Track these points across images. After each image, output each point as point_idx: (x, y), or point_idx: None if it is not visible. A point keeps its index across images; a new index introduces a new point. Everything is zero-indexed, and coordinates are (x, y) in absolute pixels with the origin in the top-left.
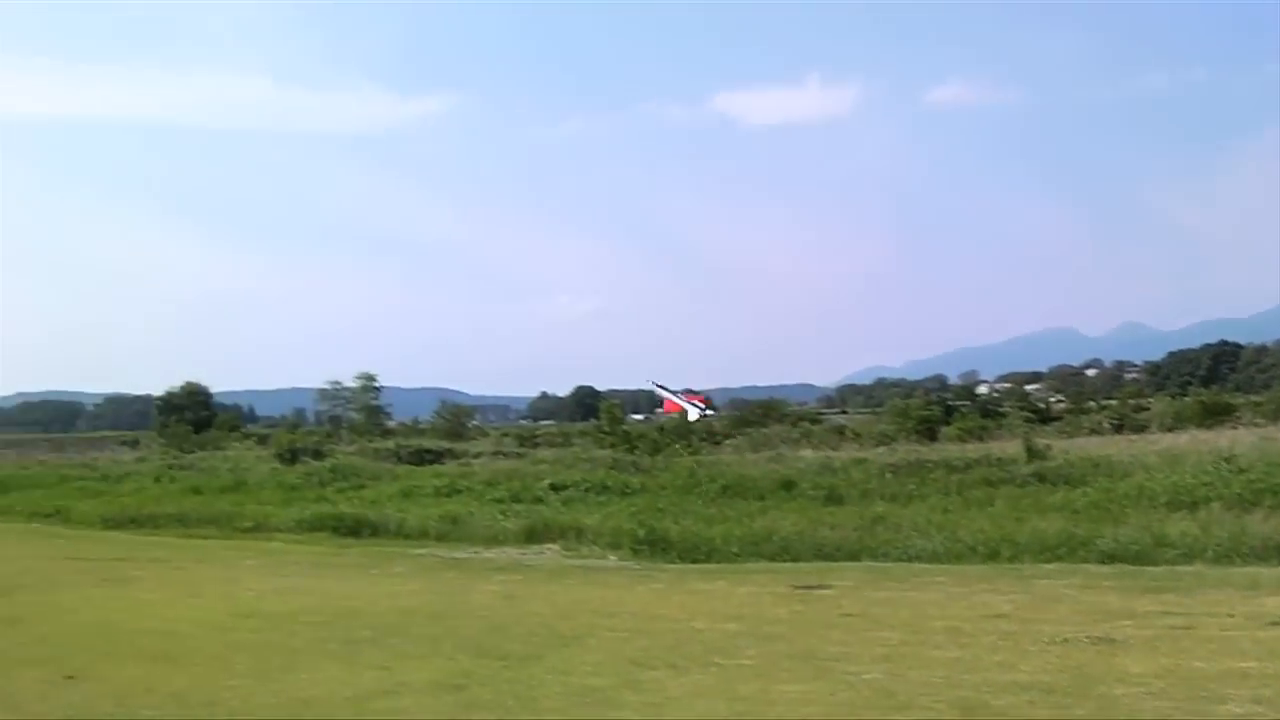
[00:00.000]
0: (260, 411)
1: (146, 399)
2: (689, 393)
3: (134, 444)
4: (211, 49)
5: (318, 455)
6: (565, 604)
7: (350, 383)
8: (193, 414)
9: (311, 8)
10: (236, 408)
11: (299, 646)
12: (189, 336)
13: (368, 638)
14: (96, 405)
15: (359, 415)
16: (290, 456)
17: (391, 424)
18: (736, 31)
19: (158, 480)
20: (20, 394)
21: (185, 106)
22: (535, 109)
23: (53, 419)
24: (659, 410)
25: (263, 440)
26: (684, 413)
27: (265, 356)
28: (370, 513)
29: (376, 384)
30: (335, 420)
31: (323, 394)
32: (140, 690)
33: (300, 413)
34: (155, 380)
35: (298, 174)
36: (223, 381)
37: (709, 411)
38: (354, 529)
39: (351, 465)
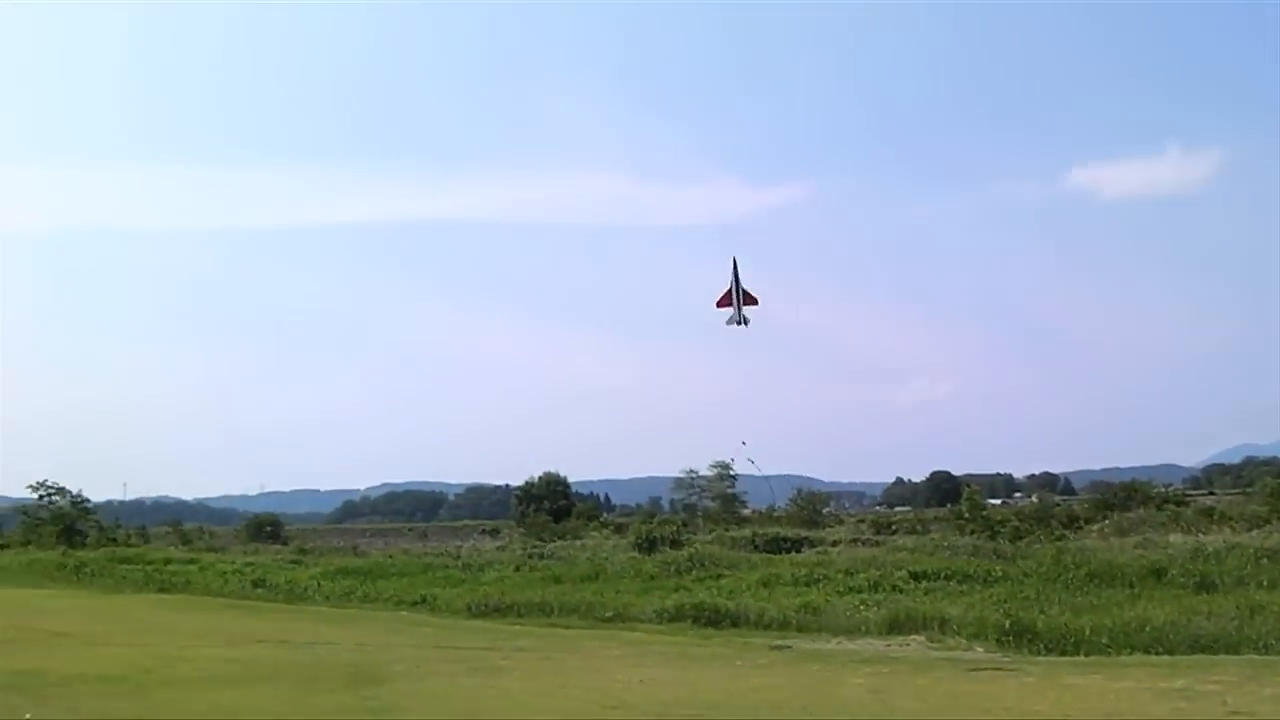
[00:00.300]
0: (616, 500)
1: (505, 489)
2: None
3: (494, 533)
4: (569, 149)
5: (675, 544)
6: (937, 700)
7: (705, 471)
8: (551, 503)
9: (666, 104)
10: (593, 497)
11: None
12: (545, 427)
13: None
14: (457, 495)
15: (714, 503)
16: (648, 545)
17: (746, 511)
18: (1090, 104)
19: (518, 569)
20: (385, 485)
21: (544, 204)
22: (888, 194)
23: (416, 508)
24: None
25: (619, 529)
26: None
27: (619, 446)
28: (730, 602)
29: (731, 471)
30: (690, 508)
31: (678, 482)
32: None
33: (655, 501)
34: (513, 470)
35: (654, 266)
36: (579, 471)
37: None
38: (714, 619)
39: (709, 554)
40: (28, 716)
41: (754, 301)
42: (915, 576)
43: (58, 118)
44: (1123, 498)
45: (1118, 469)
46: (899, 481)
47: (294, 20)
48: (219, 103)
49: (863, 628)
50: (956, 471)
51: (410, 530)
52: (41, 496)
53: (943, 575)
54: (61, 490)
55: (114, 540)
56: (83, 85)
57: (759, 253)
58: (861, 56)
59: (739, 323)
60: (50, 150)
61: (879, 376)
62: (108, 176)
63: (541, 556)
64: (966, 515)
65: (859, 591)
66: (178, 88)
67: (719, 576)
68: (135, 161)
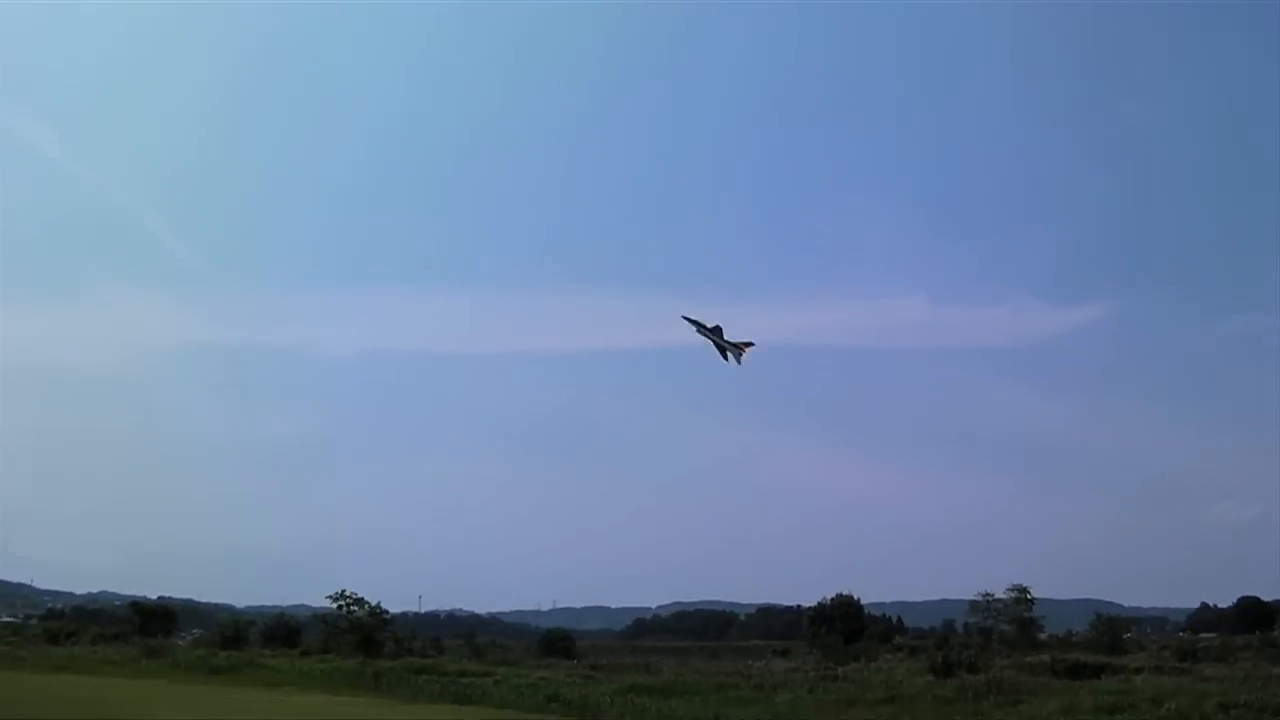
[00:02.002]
0: (909, 622)
1: (796, 609)
2: None
3: (785, 653)
4: (869, 274)
5: (972, 668)
6: None
7: (1002, 594)
8: (843, 624)
9: (965, 224)
10: (885, 618)
11: None
12: (837, 548)
13: None
14: (748, 615)
15: (1010, 627)
16: (944, 669)
17: (1043, 636)
18: None
19: (812, 690)
20: (676, 603)
21: (840, 328)
22: (1191, 311)
23: (705, 627)
24: None
25: (914, 652)
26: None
27: (912, 567)
28: None
29: (1029, 596)
30: (986, 632)
31: (974, 606)
32: None
33: (949, 624)
34: (804, 591)
35: (951, 387)
36: (871, 592)
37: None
38: None
39: (1007, 679)
40: None
41: (749, 344)
42: (1225, 707)
43: (368, 242)
44: None
45: None
46: (1204, 607)
47: (586, 147)
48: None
49: None
50: (1266, 598)
51: (701, 649)
52: (341, 606)
53: (1255, 707)
54: (360, 601)
55: (410, 651)
56: (391, 211)
57: (1061, 373)
58: (1154, 170)
59: (731, 354)
60: (358, 275)
61: (1185, 499)
62: (412, 301)
63: (835, 678)
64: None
65: None
66: (483, 211)
67: (1018, 702)
68: (438, 286)
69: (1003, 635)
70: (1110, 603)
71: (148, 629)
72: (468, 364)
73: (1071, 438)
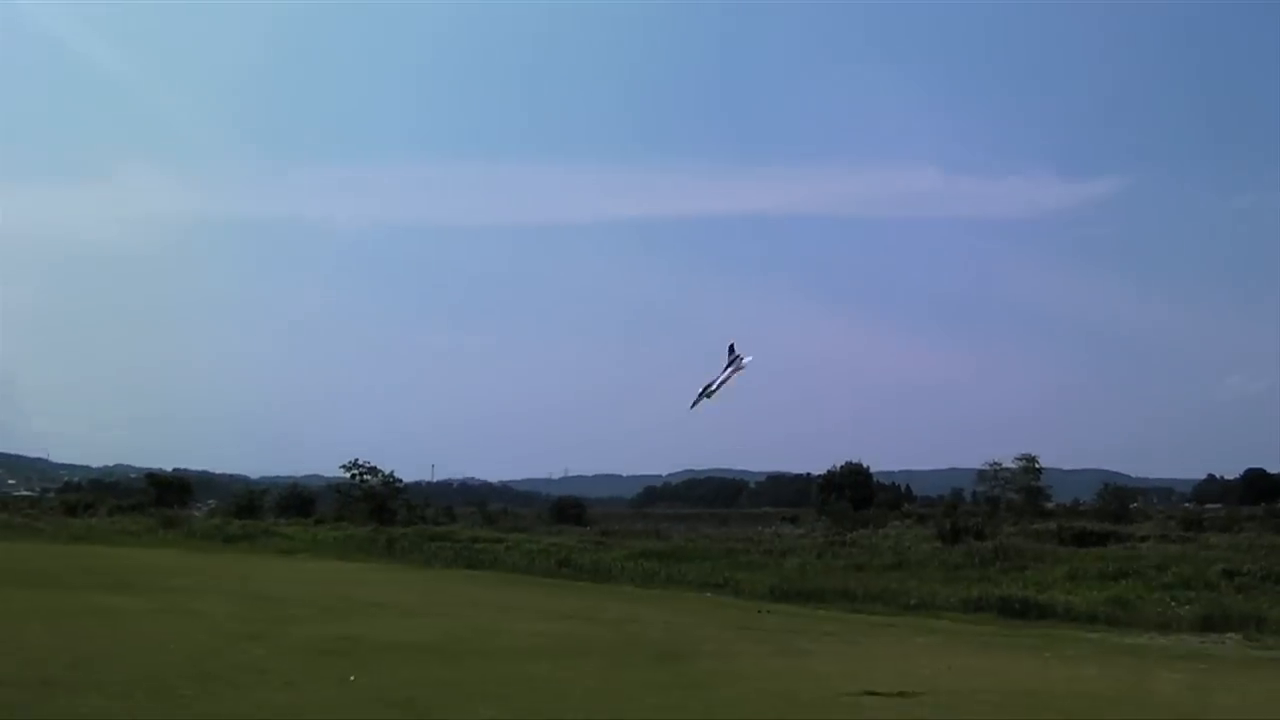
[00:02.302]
0: (916, 490)
1: (806, 477)
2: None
3: (794, 520)
4: (883, 146)
5: (979, 535)
6: (1257, 698)
7: (1010, 464)
8: (852, 492)
9: (978, 96)
10: (894, 486)
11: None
12: (847, 417)
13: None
14: (758, 483)
15: (1018, 496)
16: (952, 536)
17: (1051, 505)
18: None
19: (820, 556)
20: (687, 471)
21: (855, 198)
22: (1205, 185)
23: (716, 495)
24: None
25: (921, 519)
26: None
27: (922, 437)
28: (1036, 595)
29: (1037, 465)
30: (993, 501)
31: (981, 475)
32: None
33: (957, 493)
34: (814, 459)
35: (961, 260)
36: (880, 461)
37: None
38: (1020, 610)
39: (1014, 546)
40: (352, 678)
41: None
42: (1229, 574)
43: (378, 115)
44: None
45: None
46: (1210, 479)
47: (601, 20)
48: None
49: (1174, 624)
50: (1272, 469)
51: (711, 516)
52: (354, 476)
53: (1258, 574)
54: (374, 470)
55: (423, 519)
56: (404, 82)
57: (1073, 245)
58: (1169, 41)
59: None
60: (368, 148)
61: (1194, 373)
62: (424, 173)
63: (843, 544)
64: None
65: (1170, 588)
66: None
67: (1024, 568)
68: (447, 158)
69: (1010, 504)
70: (1118, 473)
71: (163, 500)
72: (479, 235)
73: (1081, 310)
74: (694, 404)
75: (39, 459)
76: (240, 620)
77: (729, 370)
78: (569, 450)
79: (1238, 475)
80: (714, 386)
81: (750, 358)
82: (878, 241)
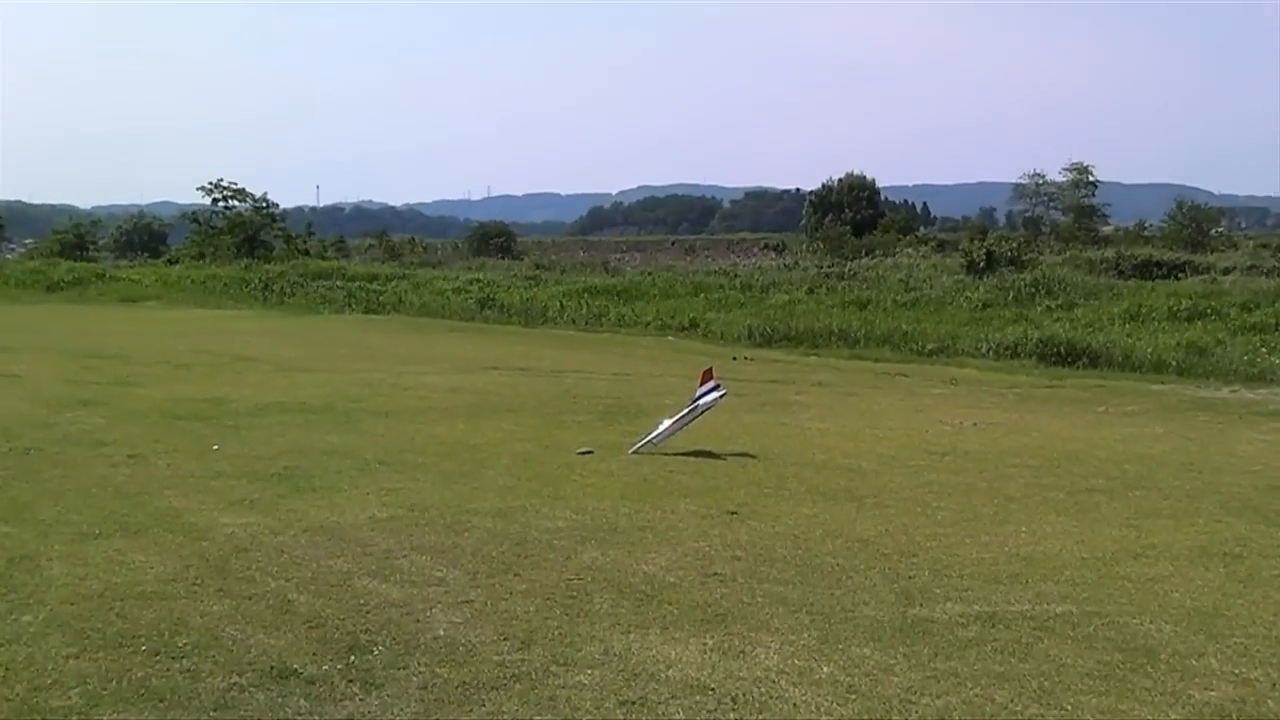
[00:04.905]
0: (936, 210)
1: (794, 195)
2: None
3: (779, 249)
4: None
5: (1016, 265)
6: None
7: (1056, 176)
8: (854, 213)
9: None
10: (907, 205)
11: (1013, 494)
12: (847, 123)
13: (1101, 488)
14: (733, 202)
15: (1066, 217)
16: (981, 266)
17: (1108, 229)
18: None
19: (812, 291)
20: (644, 189)
21: None
22: None
23: (681, 218)
24: None
25: (942, 246)
26: None
27: (943, 143)
28: (1088, 338)
29: (1092, 178)
30: (1034, 223)
31: (1019, 190)
32: (818, 533)
33: (988, 212)
34: (804, 173)
35: None
36: (890, 174)
37: None
38: (1066, 357)
39: (1060, 278)
40: (215, 447)
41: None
42: None
43: None
44: None
45: None
46: None
47: None
48: None
49: (1266, 375)
50: None
51: (675, 244)
52: (216, 200)
53: None
54: (241, 193)
55: (306, 253)
56: None
57: None
58: None
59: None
60: None
61: None
62: None
63: (841, 277)
64: None
65: (1260, 331)
66: None
67: (1072, 306)
68: None
69: (1056, 227)
70: (1194, 188)
71: None
72: None
73: None
74: (636, 448)
75: None
76: (71, 384)
77: (686, 412)
78: (493, 165)
79: None
80: (662, 433)
81: (719, 394)
82: None
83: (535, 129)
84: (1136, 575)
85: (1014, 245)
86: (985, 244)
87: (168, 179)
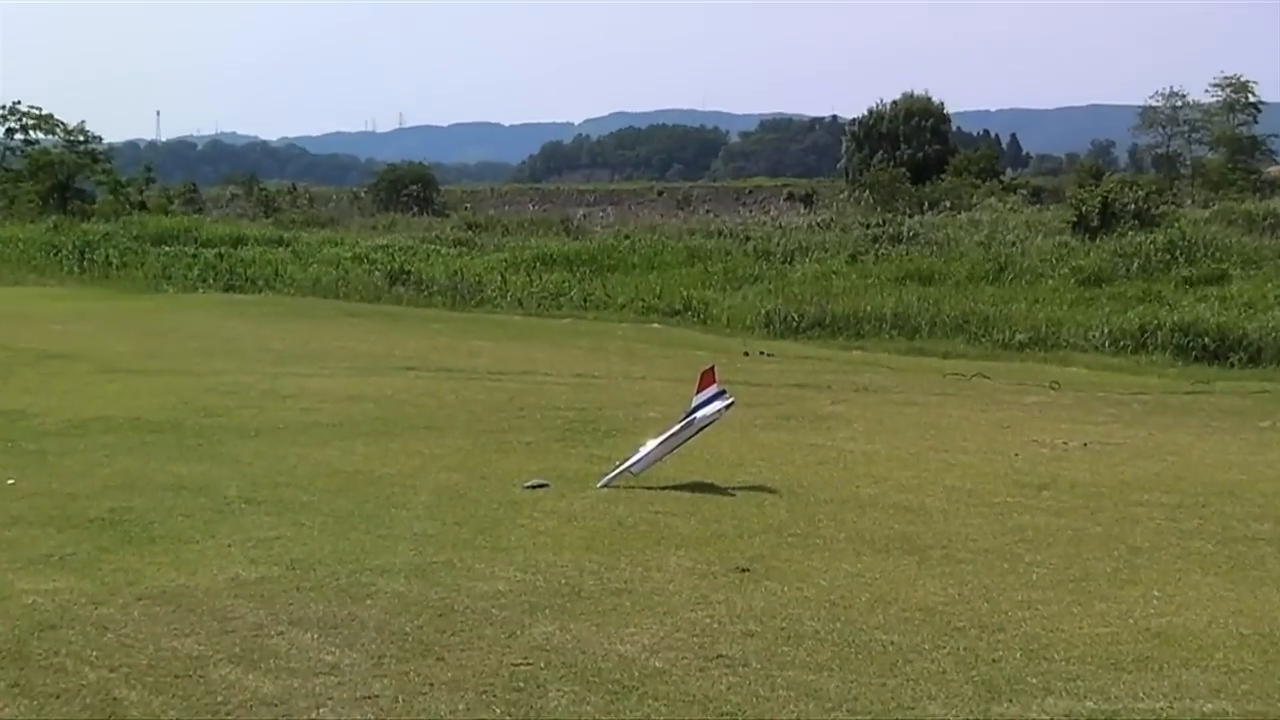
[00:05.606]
0: (1031, 146)
1: (828, 125)
2: None
3: (807, 199)
4: None
5: (1143, 222)
6: None
7: (1201, 96)
8: (913, 149)
9: None
10: (989, 139)
11: (1140, 544)
12: (900, 23)
13: (1267, 535)
14: (744, 135)
15: (1216, 154)
16: (1093, 224)
17: (1276, 169)
18: None
19: (855, 260)
20: (617, 116)
21: None
22: None
23: (672, 157)
24: None
25: (1038, 195)
26: None
27: (1039, 54)
28: (1246, 324)
29: (1253, 98)
30: (1169, 161)
31: (1147, 115)
32: (863, 599)
33: (1104, 148)
34: (839, 96)
35: None
36: (965, 96)
37: None
38: (1216, 351)
39: (1207, 241)
40: (10, 482)
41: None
42: None
43: None
44: None
45: None
46: None
47: None
48: None
49: None
50: None
51: (662, 194)
52: (11, 131)
53: None
54: (47, 120)
55: (142, 206)
56: None
57: None
58: None
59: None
60: None
61: None
62: None
63: (896, 239)
64: None
65: None
66: None
67: (1223, 278)
68: None
69: (1201, 167)
70: None
71: None
72: None
73: None
74: (608, 480)
75: None
76: None
77: (678, 429)
78: (408, 85)
79: None
80: (644, 459)
81: (724, 404)
82: None
83: (466, 34)
84: None
85: (1141, 194)
86: (1100, 192)
87: None
